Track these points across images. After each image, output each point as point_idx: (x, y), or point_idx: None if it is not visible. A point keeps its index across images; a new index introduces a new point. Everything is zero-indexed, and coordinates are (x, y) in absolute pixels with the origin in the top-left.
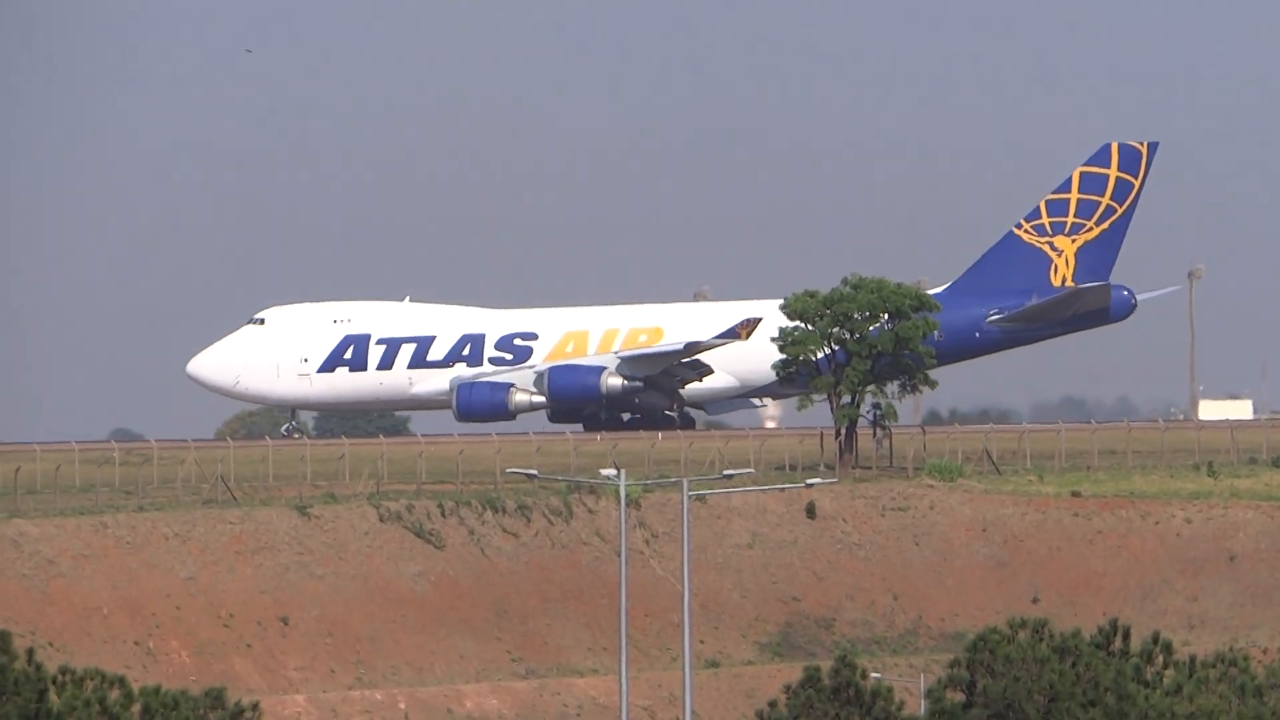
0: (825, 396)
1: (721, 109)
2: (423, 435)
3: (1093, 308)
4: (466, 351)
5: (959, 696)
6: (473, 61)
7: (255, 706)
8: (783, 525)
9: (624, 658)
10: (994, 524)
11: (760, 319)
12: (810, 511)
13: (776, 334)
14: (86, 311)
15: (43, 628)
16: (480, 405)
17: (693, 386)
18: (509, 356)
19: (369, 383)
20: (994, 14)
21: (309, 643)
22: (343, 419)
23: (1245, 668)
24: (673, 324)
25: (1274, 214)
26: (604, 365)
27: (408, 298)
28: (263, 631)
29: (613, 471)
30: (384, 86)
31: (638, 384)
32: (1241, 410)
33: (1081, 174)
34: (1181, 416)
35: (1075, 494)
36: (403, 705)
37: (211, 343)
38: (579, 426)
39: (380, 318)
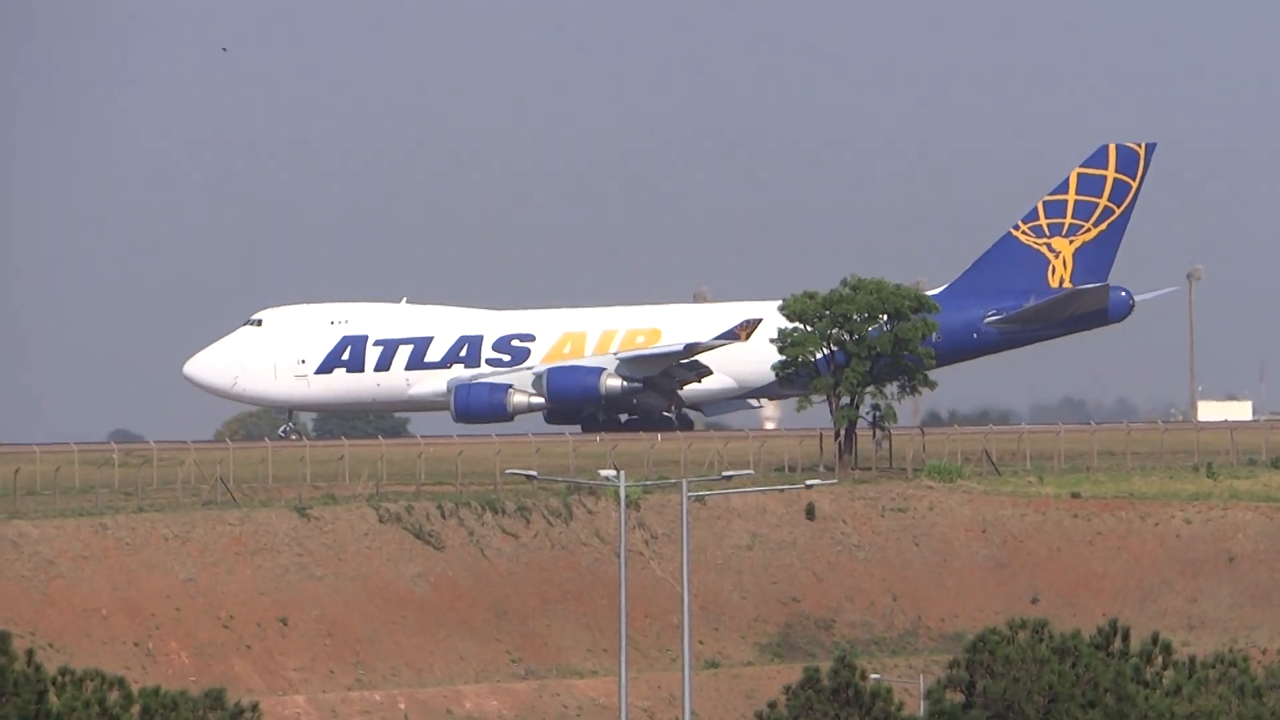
0: (824, 398)
1: (721, 110)
2: (422, 436)
3: (1091, 309)
4: (464, 353)
5: (958, 697)
6: (471, 62)
7: (255, 707)
8: (782, 526)
9: (624, 659)
10: (993, 525)
11: (760, 320)
12: (810, 512)
13: (775, 335)
14: (86, 312)
15: (42, 629)
16: (478, 406)
17: (691, 387)
18: (506, 358)
19: (366, 384)
20: (992, 15)
21: (309, 644)
22: (342, 420)
23: (1245, 668)
24: (670, 325)
25: (1273, 215)
26: (603, 366)
27: (405, 299)
28: (262, 632)
29: (612, 472)
30: (381, 87)
31: (637, 385)
32: (1241, 411)
33: (1079, 175)
34: (1181, 418)
35: (1075, 495)
36: (402, 706)
37: (210, 344)
38: (577, 427)
39: (377, 319)
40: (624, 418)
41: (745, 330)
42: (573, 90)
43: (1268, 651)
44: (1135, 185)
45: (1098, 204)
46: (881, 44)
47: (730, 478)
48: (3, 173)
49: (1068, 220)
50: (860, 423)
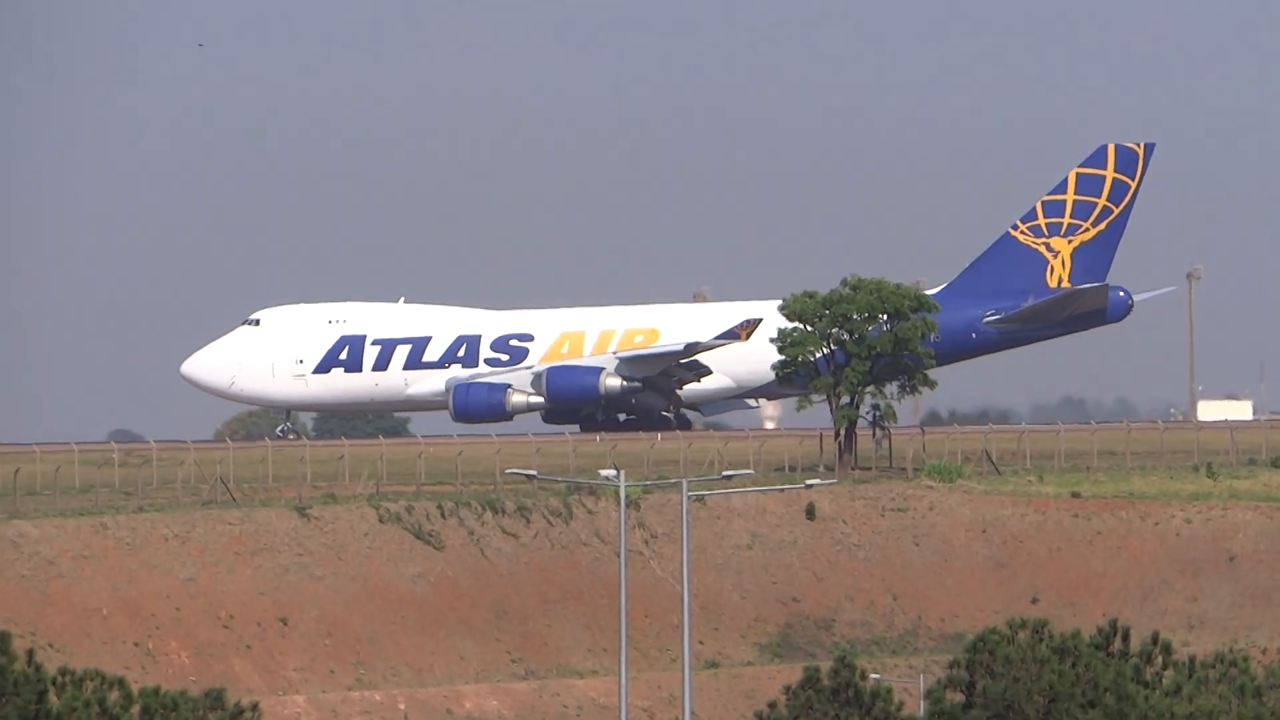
0: (824, 397)
1: (721, 110)
2: (422, 436)
3: (1090, 308)
4: (462, 352)
5: (958, 697)
6: (469, 61)
7: (255, 707)
8: (782, 526)
9: (624, 658)
10: (993, 525)
11: (760, 320)
12: (810, 512)
13: (775, 335)
14: (86, 312)
15: (42, 628)
16: (477, 406)
17: (689, 387)
18: (505, 357)
19: (364, 384)
20: (992, 15)
21: (309, 643)
22: (342, 420)
23: (1245, 668)
24: (669, 325)
25: (1273, 215)
26: (603, 366)
27: (403, 299)
28: (262, 632)
29: (612, 472)
30: (380, 86)
31: (636, 385)
32: (1241, 411)
33: (1078, 175)
34: (1181, 417)
35: (1075, 495)
36: (402, 706)
37: (208, 344)
38: (575, 427)
39: (376, 319)
40: (622, 417)
41: (746, 330)
42: (572, 90)
43: (1268, 651)
44: (1134, 185)
45: (1096, 204)
46: (881, 44)
47: (730, 477)
48: (3, 173)
49: (1066, 220)
50: (860, 422)
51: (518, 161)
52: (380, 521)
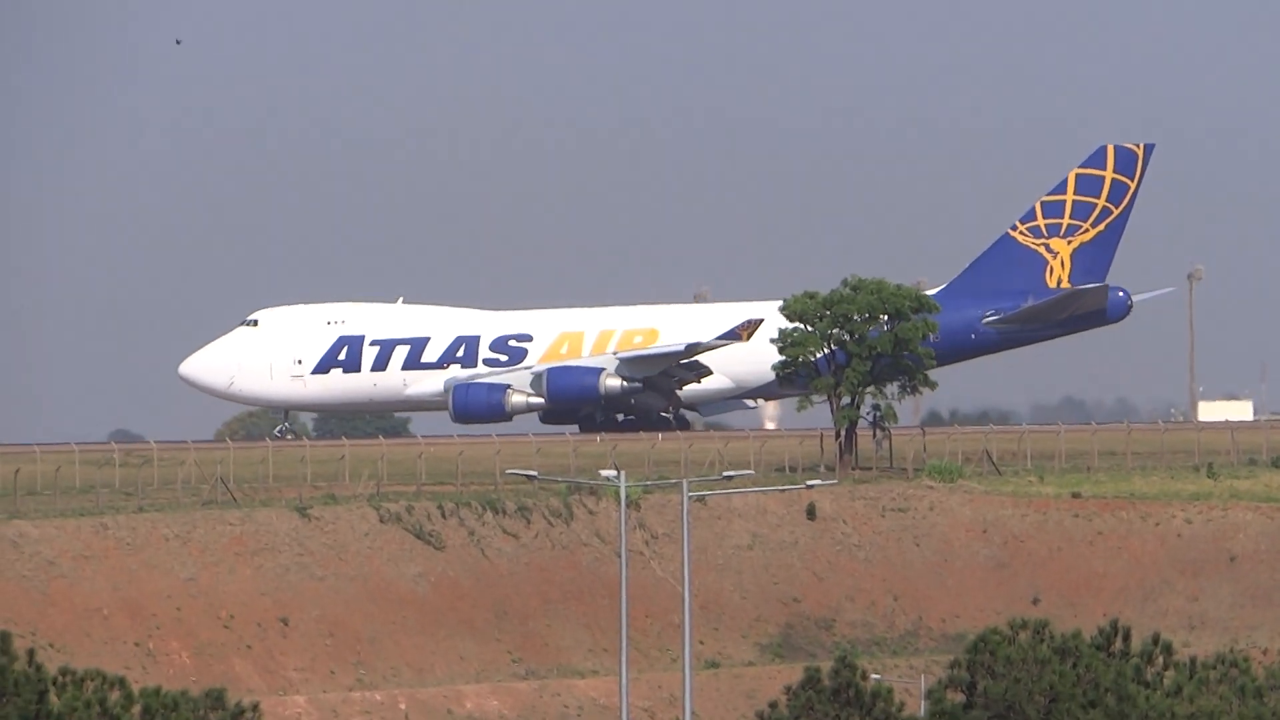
0: (825, 398)
1: (721, 111)
2: (423, 436)
3: (1089, 309)
4: (461, 353)
5: (959, 697)
6: (469, 61)
7: (255, 707)
8: (783, 526)
9: (624, 659)
10: (994, 525)
11: (762, 320)
12: (810, 512)
13: (775, 335)
14: (86, 312)
15: (43, 629)
16: (477, 406)
17: (689, 387)
18: (504, 358)
19: (363, 384)
20: (992, 15)
21: (309, 644)
22: (343, 420)
23: (1246, 669)
24: (667, 325)
25: (1273, 215)
26: (603, 366)
27: (401, 299)
28: (263, 632)
29: (613, 472)
30: (379, 86)
31: (637, 385)
32: (1241, 411)
33: (1077, 176)
34: (1181, 417)
35: (1075, 495)
36: (403, 706)
37: (206, 344)
38: (574, 427)
39: (374, 319)
40: (620, 417)
41: (747, 330)
42: (572, 90)
43: (1269, 651)
44: (1133, 186)
45: (1096, 204)
46: (881, 44)
47: (731, 478)
48: (3, 173)
49: (1066, 221)
50: (861, 423)
51: (517, 161)
52: (381, 521)
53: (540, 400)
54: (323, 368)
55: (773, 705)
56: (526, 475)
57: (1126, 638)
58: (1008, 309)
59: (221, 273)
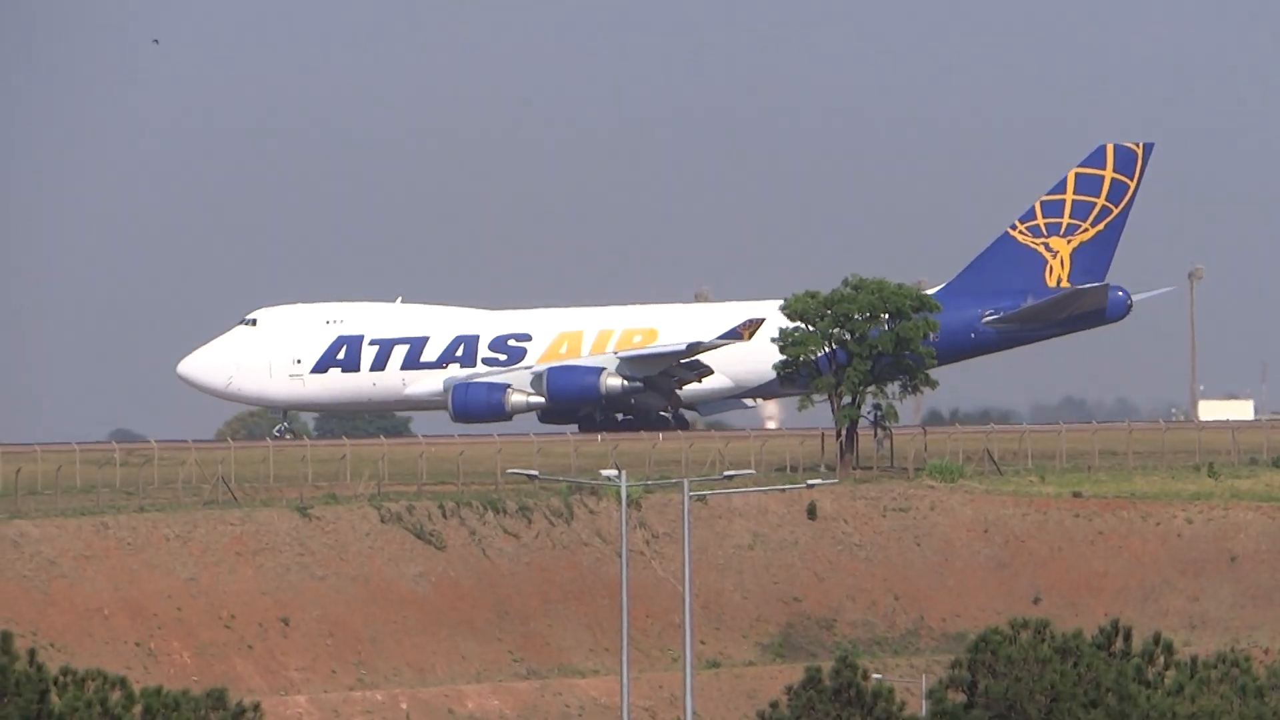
0: (826, 397)
1: (722, 111)
2: (423, 436)
3: (1089, 308)
4: (460, 352)
5: (960, 697)
6: (469, 61)
7: (256, 707)
8: (784, 526)
9: (625, 658)
10: (995, 524)
11: (763, 319)
12: (811, 512)
13: (776, 334)
14: (86, 312)
15: (44, 628)
16: (477, 406)
17: (689, 387)
18: (503, 357)
19: (362, 384)
20: (991, 15)
21: (310, 643)
22: (344, 419)
23: (1247, 668)
24: (667, 325)
25: (1273, 215)
26: (603, 366)
27: (400, 298)
28: (264, 632)
29: (613, 472)
30: (379, 86)
31: (637, 384)
32: (1242, 411)
33: (1077, 175)
34: (1182, 417)
35: (1076, 494)
36: (404, 706)
37: (205, 343)
38: (573, 427)
39: (373, 318)
40: (619, 417)
41: (748, 330)
42: (572, 89)
43: (1269, 651)
44: (1133, 185)
45: (1095, 204)
46: (881, 44)
47: (732, 477)
48: (3, 173)
49: (1065, 220)
50: (861, 422)
51: (517, 161)
52: (382, 521)
53: (540, 400)
54: (321, 367)
55: (774, 705)
56: (527, 475)
57: (1127, 637)
58: (1007, 308)
59: (221, 272)
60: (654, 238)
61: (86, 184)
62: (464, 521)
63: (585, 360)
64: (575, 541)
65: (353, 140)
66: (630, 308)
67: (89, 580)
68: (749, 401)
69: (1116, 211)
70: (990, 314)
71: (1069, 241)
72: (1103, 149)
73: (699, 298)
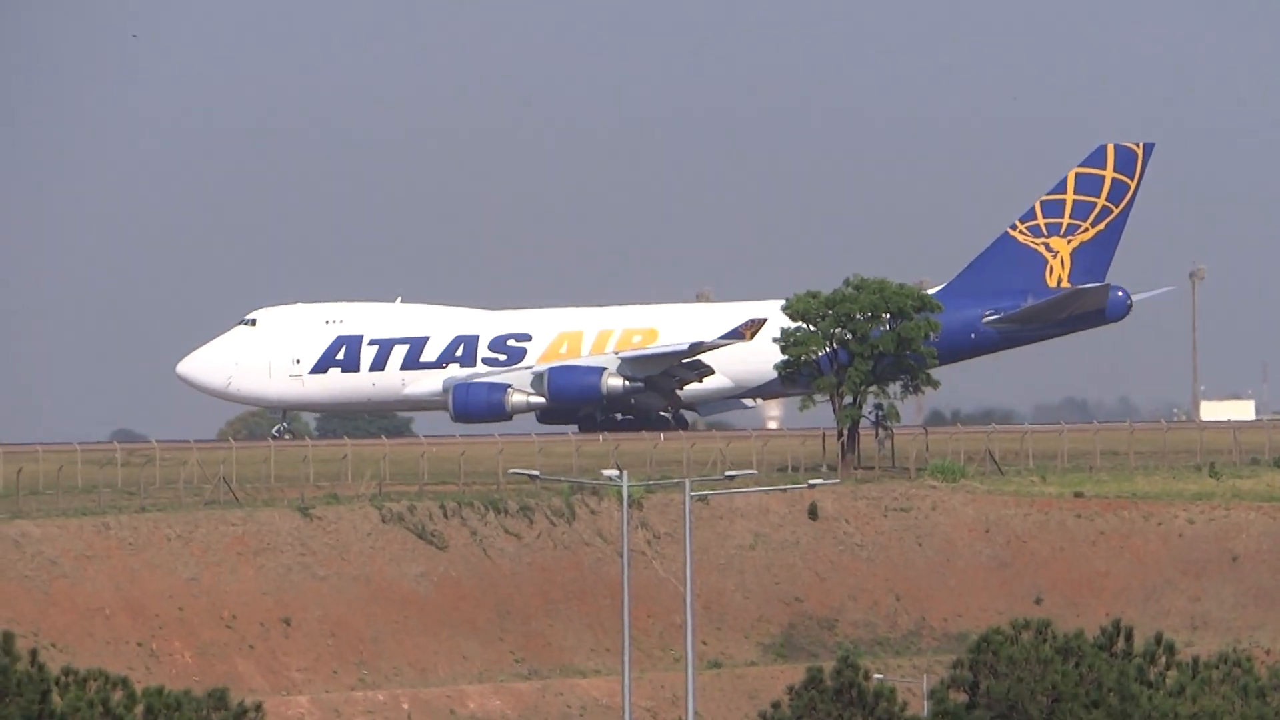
0: (827, 397)
1: (723, 110)
2: (425, 436)
3: (1089, 308)
4: (460, 352)
5: (962, 697)
6: (469, 61)
7: (258, 707)
8: (785, 526)
9: (627, 658)
10: (996, 524)
11: (765, 319)
12: (812, 512)
13: (777, 335)
14: (88, 312)
15: (45, 628)
16: (477, 406)
17: (690, 387)
18: (502, 357)
19: (361, 384)
20: (992, 15)
21: (312, 644)
22: (345, 420)
23: (1248, 668)
24: (667, 325)
25: (1275, 214)
26: (604, 366)
27: (400, 298)
28: (265, 632)
29: (615, 472)
30: (380, 86)
31: (638, 385)
32: (1243, 411)
33: (1077, 175)
34: (1183, 417)
35: (1078, 495)
36: (406, 706)
37: (205, 344)
38: (572, 427)
39: (373, 319)
40: (619, 417)
41: (750, 330)
42: (572, 89)
43: (1271, 651)
44: (1133, 185)
45: (1096, 204)
46: (882, 44)
47: (733, 477)
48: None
49: (1066, 220)
50: (863, 422)
51: (517, 161)
52: (383, 521)
53: (541, 400)
54: (321, 367)
55: (775, 705)
56: (529, 475)
57: (1129, 637)
58: (1008, 308)
59: (221, 272)
60: (654, 238)
61: (86, 184)
62: (465, 521)
63: (586, 360)
64: (577, 542)
65: (353, 140)
66: (630, 308)
67: (90, 580)
68: (748, 401)
69: (1117, 211)
70: (990, 314)
71: (1069, 241)
72: (1103, 149)
73: (700, 297)
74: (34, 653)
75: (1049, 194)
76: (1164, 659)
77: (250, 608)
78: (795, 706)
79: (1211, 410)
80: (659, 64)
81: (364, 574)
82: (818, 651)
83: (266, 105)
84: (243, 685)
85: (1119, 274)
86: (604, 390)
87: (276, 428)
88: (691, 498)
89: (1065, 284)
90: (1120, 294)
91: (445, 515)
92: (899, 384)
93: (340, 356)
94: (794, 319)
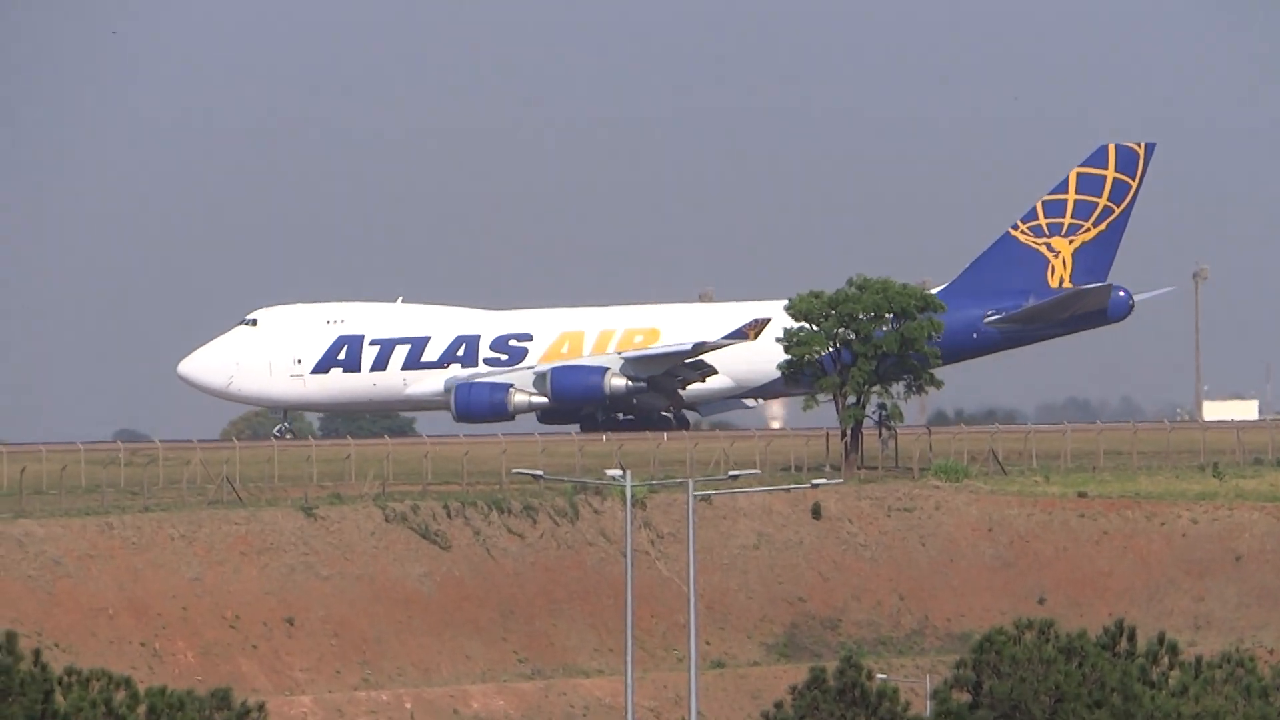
0: (831, 397)
1: (724, 110)
2: (428, 436)
3: (1091, 309)
4: (461, 352)
5: (965, 697)
6: (467, 59)
7: (261, 707)
8: (788, 526)
9: (630, 658)
10: (1000, 524)
11: (769, 319)
12: (816, 512)
13: (780, 334)
14: (90, 312)
15: (49, 628)
16: (479, 406)
17: (692, 386)
18: (504, 357)
19: (363, 384)
20: (992, 15)
21: (315, 643)
22: (348, 420)
23: (1251, 668)
24: (668, 325)
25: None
26: (607, 366)
27: (401, 298)
28: (268, 632)
29: (618, 472)
30: (380, 86)
31: (641, 384)
32: (1247, 411)
33: (1078, 175)
34: (1187, 417)
35: (1081, 494)
36: (409, 706)
37: (206, 343)
38: (574, 427)
39: (374, 318)
40: (620, 417)
41: (754, 330)
42: (572, 89)
43: (1274, 651)
44: (1135, 185)
45: (1097, 204)
46: (882, 44)
47: (736, 477)
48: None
49: (1067, 220)
50: (866, 422)
51: (517, 161)
52: (386, 521)
53: (543, 400)
54: (322, 367)
55: (778, 705)
56: (532, 475)
57: (1132, 637)
58: (1009, 308)
59: (221, 272)
60: (657, 237)
61: (86, 184)
62: (469, 521)
63: (589, 360)
64: (580, 541)
65: (353, 140)
66: (632, 307)
67: (94, 580)
68: (750, 401)
69: (1118, 211)
70: (992, 314)
71: (1071, 241)
72: (1104, 149)
73: (703, 297)
74: (37, 652)
75: (1050, 194)
76: (1167, 659)
77: (253, 607)
78: (798, 706)
79: (1214, 410)
80: (660, 64)
81: (367, 574)
82: (821, 651)
83: (266, 105)
84: (246, 685)
85: (1121, 274)
86: (607, 390)
87: (277, 428)
88: (695, 497)
89: (1067, 284)
90: (1122, 294)
91: (449, 515)
92: (902, 384)
93: (341, 356)
94: (797, 319)
